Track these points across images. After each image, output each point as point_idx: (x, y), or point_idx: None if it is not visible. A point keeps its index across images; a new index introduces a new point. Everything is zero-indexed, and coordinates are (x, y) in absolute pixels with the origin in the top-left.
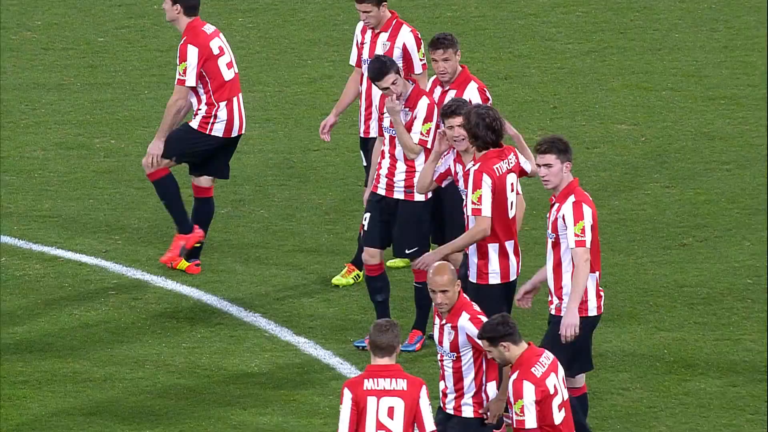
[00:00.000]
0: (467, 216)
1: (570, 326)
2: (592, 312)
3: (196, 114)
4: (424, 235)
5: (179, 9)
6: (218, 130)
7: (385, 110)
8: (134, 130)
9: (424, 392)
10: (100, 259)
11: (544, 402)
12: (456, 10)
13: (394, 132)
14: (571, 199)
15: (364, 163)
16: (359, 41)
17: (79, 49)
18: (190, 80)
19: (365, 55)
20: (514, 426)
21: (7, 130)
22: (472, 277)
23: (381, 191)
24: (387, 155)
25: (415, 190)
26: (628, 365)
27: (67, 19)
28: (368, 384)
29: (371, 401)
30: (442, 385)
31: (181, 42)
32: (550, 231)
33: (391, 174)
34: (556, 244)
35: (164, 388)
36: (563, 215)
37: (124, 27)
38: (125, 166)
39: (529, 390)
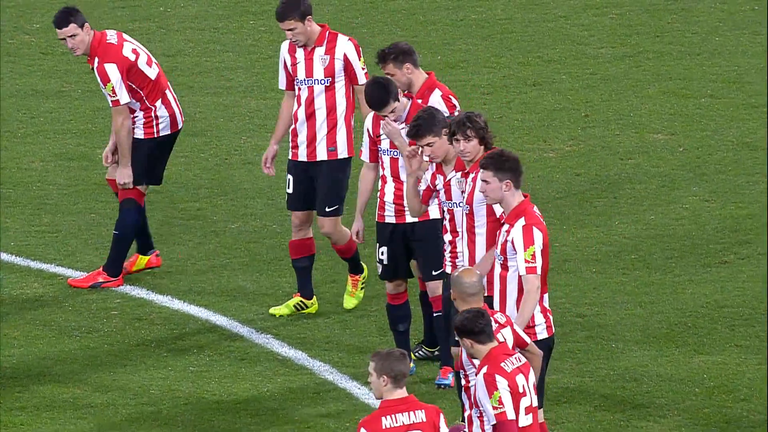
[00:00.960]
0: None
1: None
2: (542, 334)
3: (135, 124)
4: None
5: (86, 30)
6: (165, 128)
7: (382, 133)
8: None
9: (442, 421)
10: None
11: (513, 399)
12: (481, 12)
13: (395, 153)
14: (521, 222)
15: (289, 190)
16: (289, 62)
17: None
18: (124, 97)
19: (301, 74)
20: (493, 422)
21: (4, 140)
22: None
23: (390, 219)
24: (389, 179)
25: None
26: (664, 391)
27: None
28: (386, 422)
29: None
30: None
31: (96, 65)
32: (498, 253)
33: (398, 198)
34: (504, 267)
35: (170, 415)
36: (512, 239)
37: (128, 31)
38: None
39: (502, 381)
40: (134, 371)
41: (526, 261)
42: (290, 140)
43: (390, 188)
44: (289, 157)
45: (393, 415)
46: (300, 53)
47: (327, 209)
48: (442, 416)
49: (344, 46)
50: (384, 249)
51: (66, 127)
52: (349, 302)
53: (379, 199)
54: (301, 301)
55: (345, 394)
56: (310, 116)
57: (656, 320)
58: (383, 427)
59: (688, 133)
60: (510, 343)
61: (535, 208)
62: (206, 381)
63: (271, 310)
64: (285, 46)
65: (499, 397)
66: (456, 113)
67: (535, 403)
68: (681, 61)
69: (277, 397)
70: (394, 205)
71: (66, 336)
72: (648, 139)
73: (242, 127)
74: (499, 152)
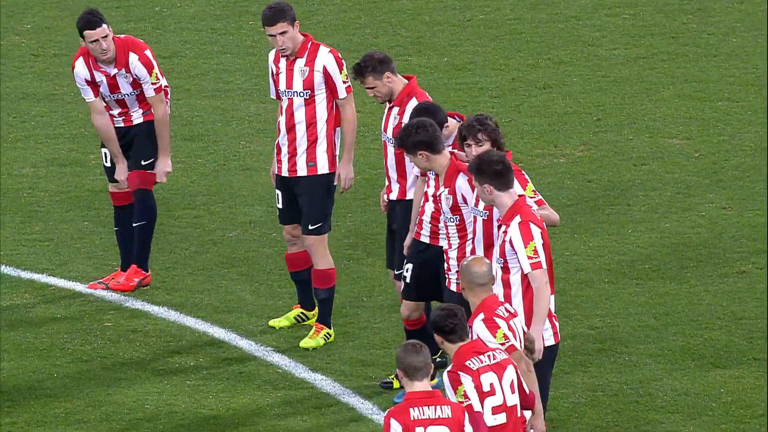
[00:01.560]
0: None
1: (538, 351)
2: (549, 341)
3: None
4: None
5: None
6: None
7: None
8: None
9: (467, 419)
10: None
11: (478, 396)
12: (489, 13)
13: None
14: (516, 220)
15: (279, 204)
16: (273, 71)
17: (72, 56)
18: (164, 81)
19: (282, 85)
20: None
21: None
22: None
23: (425, 238)
24: (430, 198)
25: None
26: (680, 405)
27: (60, 22)
28: (414, 413)
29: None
30: None
31: (137, 58)
32: (498, 256)
33: (435, 220)
34: (506, 270)
35: (166, 430)
36: (510, 238)
37: (122, 31)
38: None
39: (466, 378)
40: (129, 385)
41: (529, 257)
42: (275, 153)
43: (429, 208)
44: (275, 171)
45: (420, 408)
46: (282, 63)
47: (310, 227)
48: (466, 414)
49: (324, 58)
50: (410, 266)
51: (58, 132)
52: (306, 343)
53: (418, 216)
54: (302, 312)
55: (347, 409)
56: (290, 129)
57: (671, 332)
58: (411, 418)
59: (704, 138)
60: (520, 333)
61: (534, 208)
62: (203, 395)
63: (271, 323)
64: (271, 55)
65: (464, 391)
66: (451, 120)
67: (511, 402)
68: (697, 63)
69: (277, 412)
70: (429, 225)
71: (58, 348)
72: (663, 144)
73: (241, 132)
74: (479, 156)
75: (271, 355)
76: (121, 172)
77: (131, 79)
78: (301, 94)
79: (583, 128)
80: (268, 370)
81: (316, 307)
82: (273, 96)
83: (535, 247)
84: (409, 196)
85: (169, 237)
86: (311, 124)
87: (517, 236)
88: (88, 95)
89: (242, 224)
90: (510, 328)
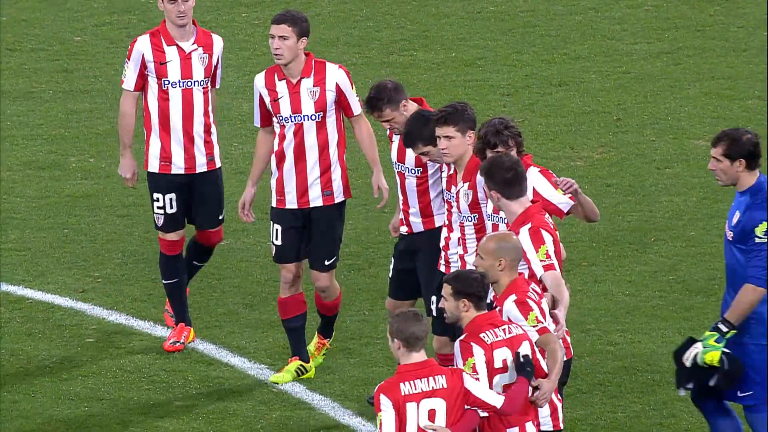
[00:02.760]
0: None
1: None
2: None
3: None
4: None
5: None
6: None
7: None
8: (116, 147)
9: (466, 378)
10: (76, 300)
11: (487, 372)
12: (500, 4)
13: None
14: (526, 227)
15: (277, 241)
16: (267, 98)
17: (51, 50)
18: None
19: (285, 111)
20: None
21: None
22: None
23: (442, 267)
24: (456, 227)
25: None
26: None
27: (38, 14)
28: (405, 388)
29: (411, 408)
30: None
31: (222, 40)
32: None
33: (446, 247)
34: None
35: None
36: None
37: (105, 24)
38: (106, 189)
39: (479, 351)
40: (112, 406)
41: (541, 261)
42: (274, 188)
43: (456, 235)
44: (273, 205)
45: (411, 381)
46: (282, 87)
47: (326, 262)
48: (465, 375)
49: (335, 75)
50: (434, 299)
51: (35, 133)
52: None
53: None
54: (301, 365)
55: (347, 431)
56: (299, 158)
57: None
58: (402, 394)
59: None
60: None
61: (547, 216)
62: (192, 417)
63: (272, 378)
64: (260, 79)
65: (473, 364)
66: None
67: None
68: (725, 59)
69: None
70: (442, 252)
71: (35, 366)
72: (688, 146)
73: (233, 132)
74: (491, 161)
75: (265, 374)
76: (128, 168)
77: (207, 62)
78: (313, 117)
79: (601, 129)
80: (262, 389)
81: (311, 359)
82: (257, 124)
83: (546, 250)
84: (438, 223)
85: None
86: (324, 149)
87: (527, 242)
88: (129, 83)
89: (234, 232)
90: (541, 311)
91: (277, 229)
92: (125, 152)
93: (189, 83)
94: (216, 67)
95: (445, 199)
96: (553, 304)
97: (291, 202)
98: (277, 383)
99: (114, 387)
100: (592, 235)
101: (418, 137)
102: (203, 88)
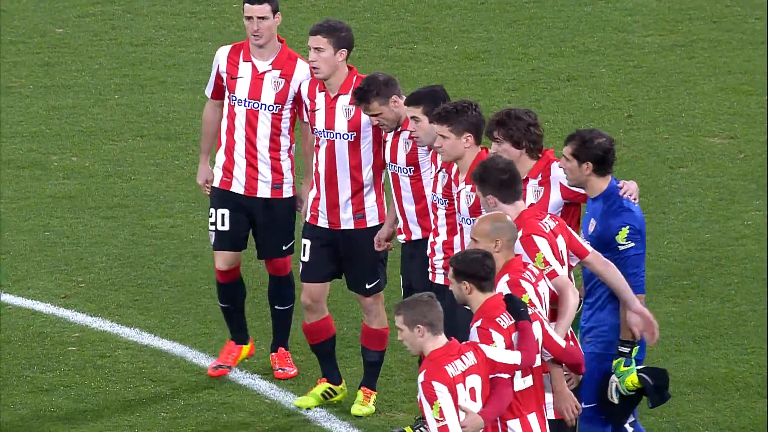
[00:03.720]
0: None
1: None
2: None
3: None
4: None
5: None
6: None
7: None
8: (101, 145)
9: (485, 348)
10: (58, 306)
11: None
12: None
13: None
14: (519, 233)
15: (305, 258)
16: (307, 106)
17: (31, 43)
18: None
19: (320, 124)
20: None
21: None
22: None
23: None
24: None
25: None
26: None
27: (17, 4)
28: (450, 370)
29: (460, 389)
30: None
31: (309, 74)
32: None
33: (432, 253)
34: None
35: None
36: None
37: (89, 15)
38: (90, 189)
39: (499, 338)
40: (95, 417)
41: (541, 270)
42: (310, 203)
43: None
44: (306, 220)
45: (452, 363)
46: (321, 99)
47: (367, 286)
48: (483, 346)
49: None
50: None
51: (14, 130)
52: (358, 410)
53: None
54: (329, 388)
55: None
56: (331, 176)
57: (712, 357)
58: (451, 377)
59: (750, 137)
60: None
61: (546, 219)
62: (181, 430)
63: (296, 402)
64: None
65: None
66: None
67: (537, 363)
68: (741, 52)
69: None
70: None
71: (14, 376)
72: (703, 144)
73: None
74: (483, 163)
75: (258, 384)
76: (201, 175)
77: (281, 87)
78: (345, 136)
79: (612, 126)
80: (254, 400)
81: (342, 380)
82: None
83: (543, 257)
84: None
85: (142, 249)
86: (356, 170)
87: (521, 251)
88: (208, 90)
89: None
90: (537, 294)
91: (305, 245)
92: (201, 158)
93: (256, 105)
94: (297, 95)
95: (432, 201)
96: (552, 315)
97: (323, 221)
98: (301, 407)
99: (98, 398)
100: None
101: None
102: (273, 113)
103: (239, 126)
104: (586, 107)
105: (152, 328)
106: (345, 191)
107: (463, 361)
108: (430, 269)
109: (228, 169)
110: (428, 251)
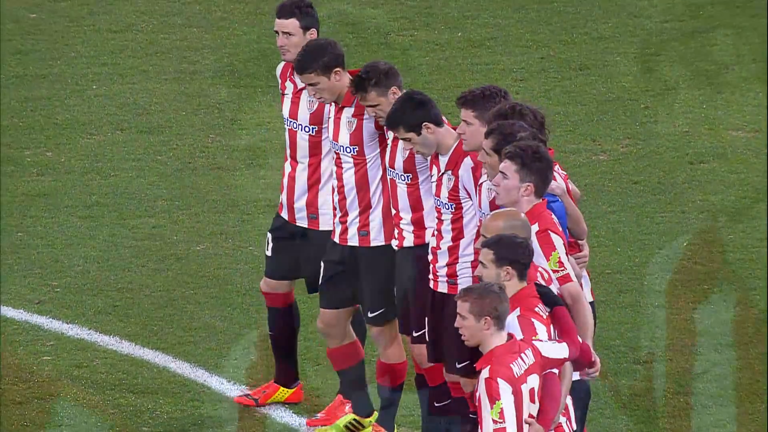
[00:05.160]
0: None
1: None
2: (577, 375)
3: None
4: None
5: None
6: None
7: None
8: (78, 139)
9: (537, 344)
10: (31, 313)
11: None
12: None
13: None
14: (534, 228)
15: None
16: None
17: (3, 29)
18: None
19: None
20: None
21: None
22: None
23: (430, 284)
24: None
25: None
26: None
27: None
28: (516, 369)
29: (524, 389)
30: None
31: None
32: None
33: (434, 260)
34: None
35: None
36: None
37: None
38: (66, 187)
39: (541, 329)
40: None
41: (555, 271)
42: (336, 216)
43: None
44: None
45: (516, 361)
46: (329, 109)
47: (369, 314)
48: (536, 343)
49: None
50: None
51: None
52: None
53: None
54: (354, 419)
55: None
56: (339, 190)
57: (736, 367)
58: (516, 376)
59: None
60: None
61: (554, 215)
62: None
63: (318, 431)
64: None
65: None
66: None
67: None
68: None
69: None
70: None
71: None
72: (725, 138)
73: (209, 123)
74: (534, 146)
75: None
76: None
77: (315, 108)
78: (348, 150)
79: (627, 118)
80: (242, 413)
81: (374, 411)
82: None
83: (558, 258)
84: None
85: (122, 251)
86: (362, 185)
87: (536, 247)
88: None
89: (211, 236)
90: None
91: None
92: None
93: (294, 125)
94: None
95: (435, 206)
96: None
97: (336, 235)
98: None
99: (75, 412)
100: (616, 239)
101: (401, 120)
102: (309, 135)
103: (286, 146)
104: (600, 98)
105: (133, 336)
106: (353, 207)
107: (524, 360)
108: (431, 277)
109: (282, 190)
110: (430, 257)
